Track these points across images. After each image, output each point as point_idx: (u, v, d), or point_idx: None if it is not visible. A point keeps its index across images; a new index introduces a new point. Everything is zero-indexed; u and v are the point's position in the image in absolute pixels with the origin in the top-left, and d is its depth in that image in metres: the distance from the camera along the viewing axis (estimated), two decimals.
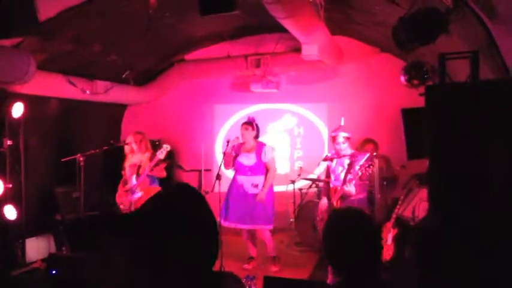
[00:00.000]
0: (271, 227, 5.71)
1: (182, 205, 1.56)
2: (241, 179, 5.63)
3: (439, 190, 3.06)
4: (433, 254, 2.87)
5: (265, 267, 5.76)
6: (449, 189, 3.02)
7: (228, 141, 5.54)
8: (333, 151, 5.35)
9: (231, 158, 5.63)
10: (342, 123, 5.49)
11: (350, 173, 5.09)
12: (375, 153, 5.60)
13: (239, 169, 5.62)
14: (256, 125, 5.65)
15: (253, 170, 5.59)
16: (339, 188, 5.18)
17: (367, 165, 4.94)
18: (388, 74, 6.74)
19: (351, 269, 1.95)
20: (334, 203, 5.20)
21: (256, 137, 5.67)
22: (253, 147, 5.61)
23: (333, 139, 5.27)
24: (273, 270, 5.72)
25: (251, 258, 5.82)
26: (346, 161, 5.19)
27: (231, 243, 6.11)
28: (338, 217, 2.06)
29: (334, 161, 5.34)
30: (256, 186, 5.58)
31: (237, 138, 5.55)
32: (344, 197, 5.15)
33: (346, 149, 5.18)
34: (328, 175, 5.49)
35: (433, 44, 3.39)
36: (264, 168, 5.64)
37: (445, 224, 2.97)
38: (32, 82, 5.33)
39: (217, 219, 5.43)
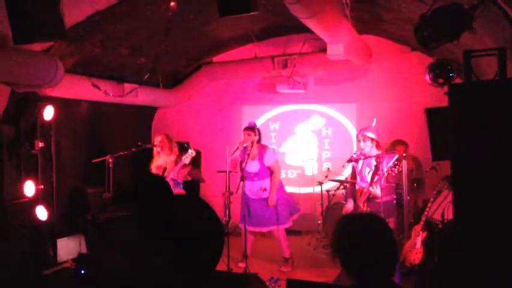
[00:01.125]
0: (287, 225, 5.76)
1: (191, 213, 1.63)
2: (248, 184, 5.66)
3: (463, 193, 2.95)
4: (457, 257, 2.77)
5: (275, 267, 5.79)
6: (475, 191, 2.91)
7: (252, 142, 5.57)
8: (358, 152, 5.25)
9: (237, 163, 5.72)
10: (373, 124, 5.36)
11: (377, 175, 4.99)
12: (404, 154, 5.46)
13: (247, 176, 5.65)
14: (258, 130, 5.72)
15: (259, 176, 5.66)
16: (365, 189, 5.09)
17: (392, 166, 4.83)
18: (419, 73, 6.56)
19: (362, 272, 1.92)
20: (361, 205, 5.11)
21: (259, 141, 5.70)
22: (256, 153, 5.65)
23: (357, 137, 5.20)
24: (285, 270, 5.69)
25: (247, 256, 5.69)
26: (373, 162, 5.09)
27: (259, 245, 6.12)
28: (348, 220, 2.02)
29: (360, 162, 5.25)
30: (265, 189, 5.64)
31: (241, 143, 5.64)
32: (370, 198, 5.06)
33: (369, 148, 5.07)
34: (354, 176, 5.40)
35: (459, 41, 3.27)
36: (268, 171, 5.70)
37: (470, 227, 2.86)
38: (62, 85, 5.46)
39: (240, 221, 5.46)
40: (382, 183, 4.94)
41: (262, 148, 5.71)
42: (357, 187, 5.28)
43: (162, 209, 1.73)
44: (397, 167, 4.83)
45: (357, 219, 2.04)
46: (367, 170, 5.18)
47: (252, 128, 5.64)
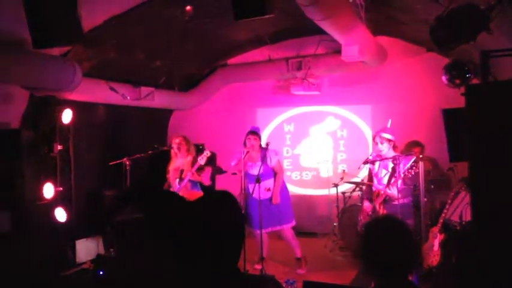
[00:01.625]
0: (292, 224, 5.80)
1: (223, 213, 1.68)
2: (252, 186, 5.66)
3: (481, 194, 2.93)
4: (475, 259, 2.76)
5: (292, 269, 5.80)
6: (492, 192, 2.89)
7: (267, 144, 5.75)
8: (374, 154, 5.23)
9: (240, 163, 5.76)
10: (389, 125, 5.34)
11: (394, 177, 4.96)
12: (420, 156, 5.43)
13: (249, 178, 5.71)
14: (259, 134, 5.90)
15: (263, 176, 5.64)
16: (381, 191, 5.07)
17: (409, 168, 4.80)
18: (435, 74, 6.52)
19: (383, 273, 1.95)
20: (377, 207, 5.09)
21: (260, 145, 5.81)
22: (257, 155, 5.74)
23: (373, 139, 5.17)
24: (300, 272, 5.69)
25: (263, 258, 5.74)
26: (390, 164, 5.07)
27: (275, 247, 6.12)
28: (376, 225, 2.06)
29: (377, 164, 5.22)
30: (269, 190, 5.70)
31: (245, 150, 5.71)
32: (387, 200, 5.03)
33: (386, 150, 5.05)
34: (370, 178, 5.38)
35: (476, 42, 3.25)
36: (271, 171, 5.77)
37: (488, 229, 2.84)
38: (80, 89, 5.54)
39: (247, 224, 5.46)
40: (399, 185, 4.91)
41: (264, 150, 5.80)
42: (373, 189, 5.26)
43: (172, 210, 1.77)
44: (414, 168, 4.80)
45: (379, 222, 2.08)
46: (384, 172, 5.15)
47: (257, 133, 5.80)
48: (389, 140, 5.06)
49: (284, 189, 5.88)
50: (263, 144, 5.84)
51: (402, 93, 7.33)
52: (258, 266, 5.70)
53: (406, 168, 4.87)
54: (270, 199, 5.68)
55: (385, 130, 5.18)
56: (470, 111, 2.98)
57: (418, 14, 5.17)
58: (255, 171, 5.63)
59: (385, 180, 5.12)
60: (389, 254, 1.91)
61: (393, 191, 4.94)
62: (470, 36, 3.06)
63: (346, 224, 6.50)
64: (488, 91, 3.00)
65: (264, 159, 5.68)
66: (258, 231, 5.59)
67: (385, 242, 1.91)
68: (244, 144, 5.72)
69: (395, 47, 7.16)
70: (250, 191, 5.62)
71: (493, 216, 2.90)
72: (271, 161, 5.72)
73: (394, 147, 5.17)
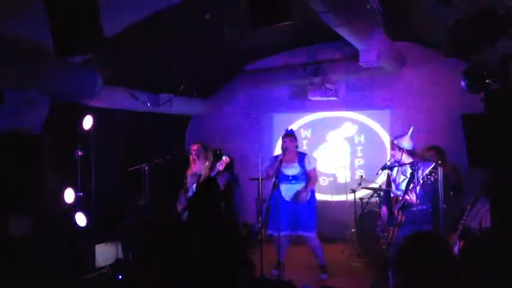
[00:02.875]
0: (314, 234, 5.73)
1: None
2: (284, 187, 5.66)
3: (502, 201, 2.90)
4: (493, 268, 2.72)
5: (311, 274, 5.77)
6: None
7: (284, 150, 5.65)
8: (393, 159, 5.19)
9: (273, 169, 5.69)
10: (410, 133, 5.25)
11: (412, 182, 4.92)
12: (439, 162, 5.37)
13: (282, 178, 5.66)
14: (296, 136, 5.84)
15: (296, 178, 5.70)
16: (400, 198, 5.03)
17: (428, 174, 4.75)
18: (453, 79, 6.45)
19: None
20: (395, 213, 5.05)
21: (297, 147, 5.79)
22: (295, 157, 5.72)
23: (392, 145, 5.14)
24: (323, 278, 5.67)
25: (280, 263, 5.62)
26: (409, 170, 5.03)
27: (294, 252, 6.11)
28: (412, 241, 2.05)
29: (395, 169, 5.19)
30: (300, 199, 5.65)
31: (277, 157, 5.73)
32: (405, 206, 4.99)
33: (400, 157, 5.00)
34: (388, 184, 5.34)
35: (495, 47, 3.23)
36: (306, 177, 5.73)
37: (508, 235, 2.81)
38: (101, 96, 5.64)
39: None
40: (417, 191, 4.87)
41: (301, 154, 5.82)
42: (391, 195, 5.22)
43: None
44: (433, 174, 4.76)
45: (423, 240, 2.07)
46: (402, 177, 5.11)
47: (292, 135, 5.76)
48: (402, 149, 4.97)
49: (313, 197, 5.81)
50: (285, 151, 5.70)
51: (421, 98, 7.28)
52: (276, 271, 5.67)
53: (425, 174, 4.82)
54: (302, 203, 5.63)
55: (401, 138, 5.08)
56: (490, 116, 2.96)
57: (436, 19, 5.14)
58: (289, 171, 5.65)
59: (403, 186, 5.07)
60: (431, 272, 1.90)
61: (412, 197, 4.90)
62: (490, 41, 3.04)
63: (364, 230, 6.47)
64: (508, 96, 2.97)
65: (301, 161, 5.69)
66: (282, 234, 5.56)
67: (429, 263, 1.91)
68: (282, 149, 5.71)
69: (414, 52, 7.13)
70: (281, 191, 5.59)
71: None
72: (310, 165, 5.72)
73: (413, 154, 5.11)
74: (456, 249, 5.03)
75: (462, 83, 3.98)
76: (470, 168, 4.67)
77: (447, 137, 6.38)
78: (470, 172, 5.45)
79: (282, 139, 5.78)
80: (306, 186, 5.69)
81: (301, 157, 5.74)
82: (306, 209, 5.68)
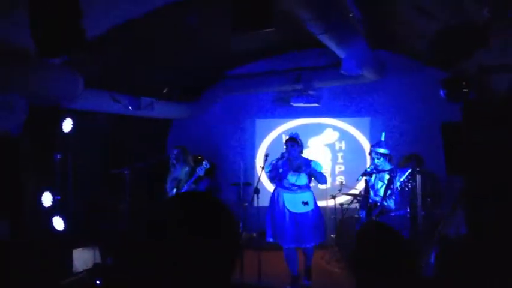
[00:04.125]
0: (322, 240, 5.51)
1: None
2: (288, 197, 5.37)
3: (477, 208, 2.96)
4: (470, 272, 2.78)
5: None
6: (490, 207, 2.92)
7: (266, 156, 5.50)
8: (372, 166, 5.25)
9: (279, 174, 5.44)
10: (382, 139, 5.39)
11: (390, 188, 5.00)
12: (418, 169, 5.46)
13: (287, 187, 5.38)
14: (300, 140, 5.49)
15: (301, 187, 5.37)
16: (378, 203, 5.10)
17: (406, 181, 4.84)
18: (432, 87, 6.57)
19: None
20: (374, 218, 5.11)
21: (301, 152, 5.48)
22: (301, 164, 5.38)
23: (369, 154, 5.22)
24: (306, 284, 5.62)
25: (294, 277, 5.51)
26: (386, 176, 5.10)
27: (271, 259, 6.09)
28: (362, 233, 2.09)
29: (373, 175, 5.26)
30: (306, 203, 5.32)
31: (281, 157, 5.38)
32: (383, 212, 5.06)
33: (382, 164, 5.09)
34: (367, 190, 5.40)
35: (474, 58, 3.30)
36: (310, 182, 5.47)
37: (483, 242, 2.87)
38: (81, 98, 5.57)
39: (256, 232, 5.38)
40: (395, 197, 4.94)
41: (306, 160, 5.44)
42: (370, 200, 5.28)
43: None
44: (410, 181, 4.84)
45: (371, 231, 2.11)
46: (380, 183, 5.19)
47: (295, 139, 5.42)
48: (384, 155, 5.09)
49: (315, 204, 5.48)
50: (267, 157, 5.51)
51: (400, 106, 7.39)
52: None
53: (402, 180, 4.91)
54: (307, 214, 5.32)
55: (380, 145, 5.19)
56: (467, 125, 3.02)
57: (417, 29, 5.24)
58: (294, 179, 5.34)
59: (381, 192, 5.15)
60: (380, 259, 1.94)
61: (389, 203, 4.97)
62: (468, 52, 3.11)
63: (344, 235, 6.52)
64: (485, 106, 3.04)
65: (307, 168, 5.34)
66: (286, 246, 5.35)
67: (377, 249, 1.94)
68: (283, 154, 5.39)
69: (394, 61, 7.24)
70: (285, 200, 5.33)
71: (490, 230, 2.93)
72: (317, 168, 5.39)
73: (390, 159, 5.20)
74: (433, 255, 5.12)
75: (441, 93, 4.06)
76: (448, 176, 4.75)
77: (426, 145, 6.48)
78: (448, 180, 5.56)
79: (285, 143, 5.50)
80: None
81: (308, 163, 5.38)
82: (313, 217, 5.36)
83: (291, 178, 5.36)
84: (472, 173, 2.99)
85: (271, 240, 5.42)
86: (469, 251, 3.07)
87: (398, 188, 4.87)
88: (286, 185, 5.36)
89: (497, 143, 2.87)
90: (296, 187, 5.34)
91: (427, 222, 5.93)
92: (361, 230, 2.13)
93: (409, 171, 4.96)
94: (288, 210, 5.33)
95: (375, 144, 5.25)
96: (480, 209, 2.94)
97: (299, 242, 5.33)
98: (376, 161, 5.10)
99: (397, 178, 4.93)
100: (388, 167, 5.09)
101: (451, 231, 5.30)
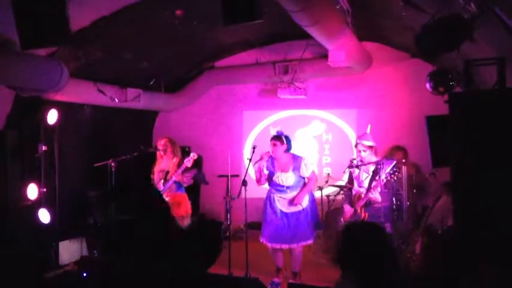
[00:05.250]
0: (309, 242, 5.44)
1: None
2: (278, 197, 5.33)
3: (462, 199, 3.01)
4: (456, 264, 2.83)
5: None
6: (474, 198, 2.97)
7: (254, 148, 5.45)
8: (358, 158, 5.28)
9: (264, 176, 5.36)
10: (368, 131, 5.42)
11: (375, 180, 5.04)
12: (403, 160, 5.51)
13: (276, 188, 5.33)
14: (286, 138, 5.28)
15: (292, 188, 5.28)
16: (362, 195, 5.14)
17: (391, 173, 4.88)
18: (419, 80, 6.62)
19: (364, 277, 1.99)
20: (358, 210, 5.15)
21: (288, 150, 5.28)
22: (288, 162, 5.26)
23: (355, 147, 5.24)
24: (291, 281, 5.61)
25: (279, 269, 5.59)
26: (371, 168, 5.14)
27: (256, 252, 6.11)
28: (350, 230, 2.10)
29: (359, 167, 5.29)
30: (296, 204, 5.26)
31: (267, 153, 5.26)
32: (368, 204, 5.10)
33: (368, 156, 5.13)
34: (351, 181, 5.42)
35: (460, 50, 3.33)
36: (303, 183, 5.34)
37: (469, 234, 2.92)
38: (66, 90, 5.51)
39: (246, 221, 5.37)
40: (379, 190, 4.99)
41: (295, 158, 5.28)
42: (353, 192, 5.32)
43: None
44: (396, 173, 4.89)
45: (359, 228, 2.13)
46: (365, 175, 5.22)
47: (278, 137, 5.22)
48: (371, 147, 5.13)
49: (313, 201, 5.41)
50: (254, 149, 5.38)
51: (387, 99, 7.44)
52: (278, 280, 5.46)
53: (387, 172, 4.95)
54: (298, 213, 5.24)
55: (365, 137, 5.23)
56: (453, 118, 3.06)
57: (404, 21, 5.27)
58: (283, 180, 5.24)
59: (366, 184, 5.18)
60: (372, 260, 1.95)
61: (375, 195, 5.01)
62: (454, 45, 3.14)
63: (330, 226, 6.57)
64: (470, 99, 3.08)
65: (296, 167, 5.21)
66: (273, 245, 5.33)
67: (363, 248, 1.96)
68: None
69: (381, 53, 7.27)
70: (275, 202, 5.30)
71: (474, 221, 2.98)
72: (308, 170, 5.26)
73: (375, 152, 5.25)
74: (418, 246, 5.19)
75: (427, 85, 4.10)
76: (433, 167, 4.81)
77: (412, 137, 6.54)
78: (433, 171, 5.62)
79: (270, 141, 5.29)
80: (302, 188, 5.26)
81: (296, 162, 5.24)
82: (304, 217, 5.28)
83: (277, 179, 5.31)
84: (457, 165, 3.03)
85: (263, 240, 5.39)
86: (454, 242, 3.13)
87: (384, 180, 4.91)
88: (276, 187, 5.32)
89: (482, 135, 2.91)
90: (286, 188, 5.27)
91: (412, 213, 6.03)
92: (345, 232, 2.13)
93: (394, 163, 5.01)
94: (280, 210, 5.30)
95: (361, 136, 5.28)
96: (465, 200, 2.98)
97: (288, 242, 5.29)
98: (362, 153, 5.13)
99: (382, 170, 4.96)
100: (374, 159, 5.13)
101: (436, 222, 5.39)
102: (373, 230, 2.04)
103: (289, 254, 5.51)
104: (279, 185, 5.31)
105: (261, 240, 5.43)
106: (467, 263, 2.96)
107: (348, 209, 5.27)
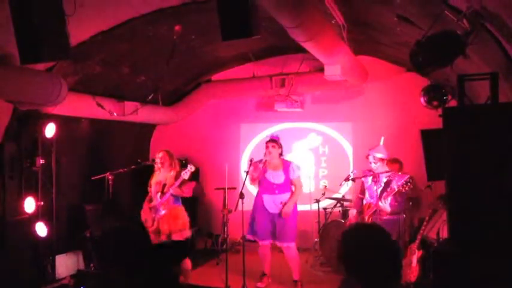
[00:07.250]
0: (292, 244, 5.66)
1: None
2: (267, 198, 5.62)
3: (458, 212, 3.04)
4: (452, 277, 2.85)
5: None
6: (469, 211, 3.00)
7: (251, 161, 5.60)
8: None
9: (259, 173, 5.63)
10: (381, 143, 5.48)
11: (386, 191, 5.11)
12: (399, 173, 5.56)
13: (266, 187, 5.62)
14: (280, 143, 5.68)
15: (280, 188, 5.60)
16: (373, 204, 5.20)
17: (404, 183, 4.95)
18: (414, 94, 6.69)
19: (367, 279, 1.99)
20: (366, 218, 5.21)
21: (281, 154, 5.67)
22: (279, 164, 5.63)
23: (366, 158, 5.33)
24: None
25: (264, 274, 5.77)
26: (384, 179, 5.22)
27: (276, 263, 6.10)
28: (354, 230, 2.11)
29: (370, 178, 5.36)
30: (284, 217, 5.56)
31: (260, 160, 5.63)
32: (376, 213, 5.14)
33: (379, 168, 5.22)
34: (362, 191, 5.51)
35: (454, 65, 3.40)
36: (290, 186, 5.67)
37: (464, 248, 2.95)
38: (64, 103, 5.53)
39: (243, 234, 5.44)
40: (389, 200, 5.07)
41: (286, 162, 5.70)
42: (364, 202, 5.40)
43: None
44: (409, 184, 4.96)
45: (363, 229, 2.13)
46: (376, 186, 5.30)
47: (275, 141, 5.63)
48: (382, 159, 5.23)
49: (295, 208, 5.71)
50: (251, 161, 5.64)
51: (382, 112, 7.50)
52: (261, 285, 5.67)
53: (400, 184, 5.01)
54: (280, 213, 5.55)
55: (378, 150, 5.32)
56: (447, 132, 3.11)
57: (399, 35, 5.35)
58: (274, 180, 5.58)
59: (378, 193, 5.25)
60: (376, 261, 1.95)
61: (385, 205, 5.09)
62: (447, 61, 3.20)
63: (327, 239, 6.58)
64: (464, 114, 3.13)
65: (286, 169, 5.59)
66: (262, 243, 5.60)
67: (373, 250, 1.97)
68: (264, 155, 5.62)
69: (376, 67, 7.34)
70: (265, 201, 5.58)
71: (468, 234, 3.01)
72: (294, 173, 5.62)
73: (386, 164, 5.37)
74: (415, 258, 5.22)
75: (422, 99, 4.16)
76: (428, 181, 4.86)
77: (407, 151, 6.59)
78: (429, 184, 5.67)
79: (266, 144, 5.68)
80: (290, 198, 5.60)
81: (286, 165, 5.63)
82: (287, 219, 5.57)
83: (271, 178, 5.60)
84: (451, 178, 3.07)
85: (249, 236, 5.66)
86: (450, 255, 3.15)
87: (395, 189, 4.99)
88: (266, 186, 5.58)
89: (476, 149, 2.95)
90: (275, 186, 5.52)
91: (408, 225, 6.06)
92: (348, 231, 2.14)
93: (408, 177, 5.07)
94: (265, 210, 5.58)
95: (373, 148, 5.36)
96: (460, 213, 3.02)
97: (275, 238, 5.60)
98: (373, 165, 5.22)
99: (394, 182, 5.06)
100: (384, 169, 5.24)
101: (432, 235, 5.42)
102: (377, 231, 2.06)
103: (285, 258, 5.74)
104: (269, 182, 5.59)
105: (249, 237, 5.66)
106: (463, 276, 2.99)
107: (353, 216, 5.38)
